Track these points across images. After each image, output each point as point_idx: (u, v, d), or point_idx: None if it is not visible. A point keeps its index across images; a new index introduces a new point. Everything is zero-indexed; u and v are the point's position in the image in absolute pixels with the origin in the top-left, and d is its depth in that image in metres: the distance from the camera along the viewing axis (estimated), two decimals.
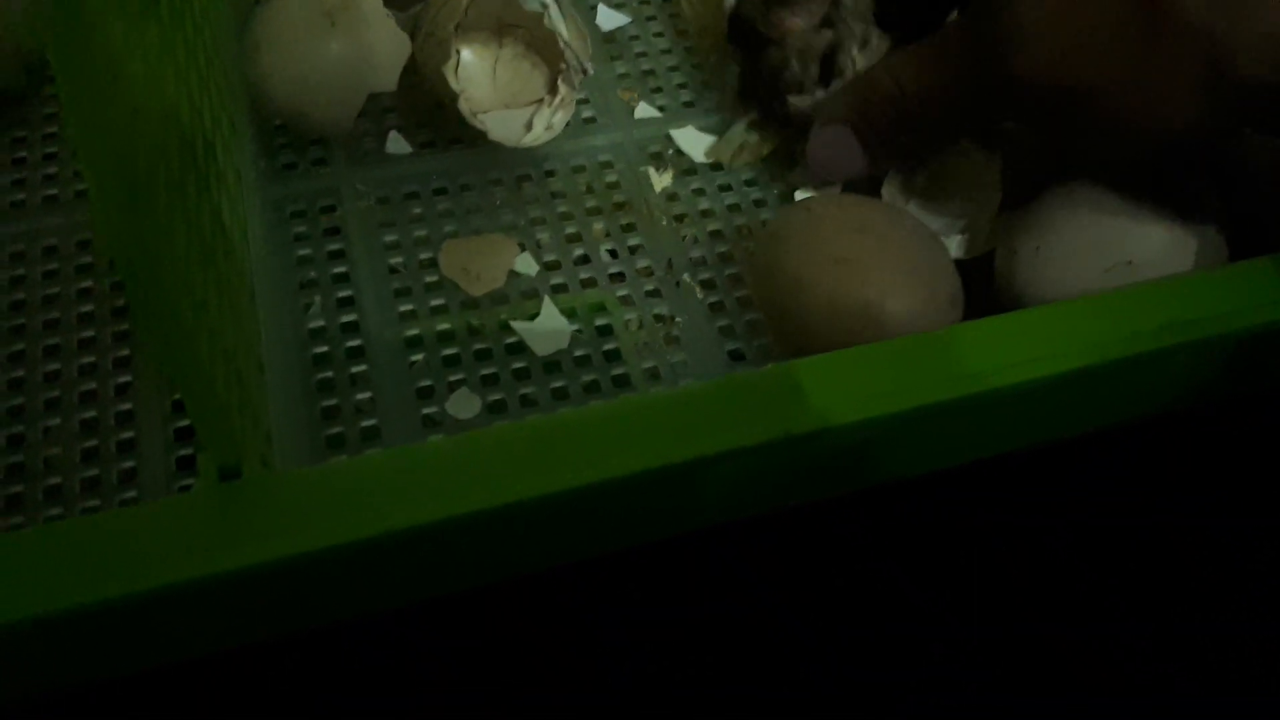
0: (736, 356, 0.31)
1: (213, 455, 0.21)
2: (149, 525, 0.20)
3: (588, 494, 0.21)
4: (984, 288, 0.32)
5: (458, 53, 0.32)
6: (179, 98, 0.23)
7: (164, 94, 0.22)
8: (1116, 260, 0.29)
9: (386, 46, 0.33)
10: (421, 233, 0.33)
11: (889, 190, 0.34)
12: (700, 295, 0.32)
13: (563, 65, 0.34)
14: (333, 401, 0.29)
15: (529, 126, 0.34)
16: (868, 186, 0.34)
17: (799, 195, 0.34)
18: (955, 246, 0.33)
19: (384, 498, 0.21)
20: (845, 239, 0.29)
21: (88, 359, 0.29)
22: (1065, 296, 0.29)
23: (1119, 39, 0.25)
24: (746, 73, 0.35)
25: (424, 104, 0.35)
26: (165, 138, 0.21)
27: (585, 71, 0.34)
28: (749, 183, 0.35)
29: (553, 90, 0.34)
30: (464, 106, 0.32)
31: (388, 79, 0.33)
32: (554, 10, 0.34)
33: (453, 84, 0.32)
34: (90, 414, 0.28)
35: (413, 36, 0.34)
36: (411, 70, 0.34)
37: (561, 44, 0.34)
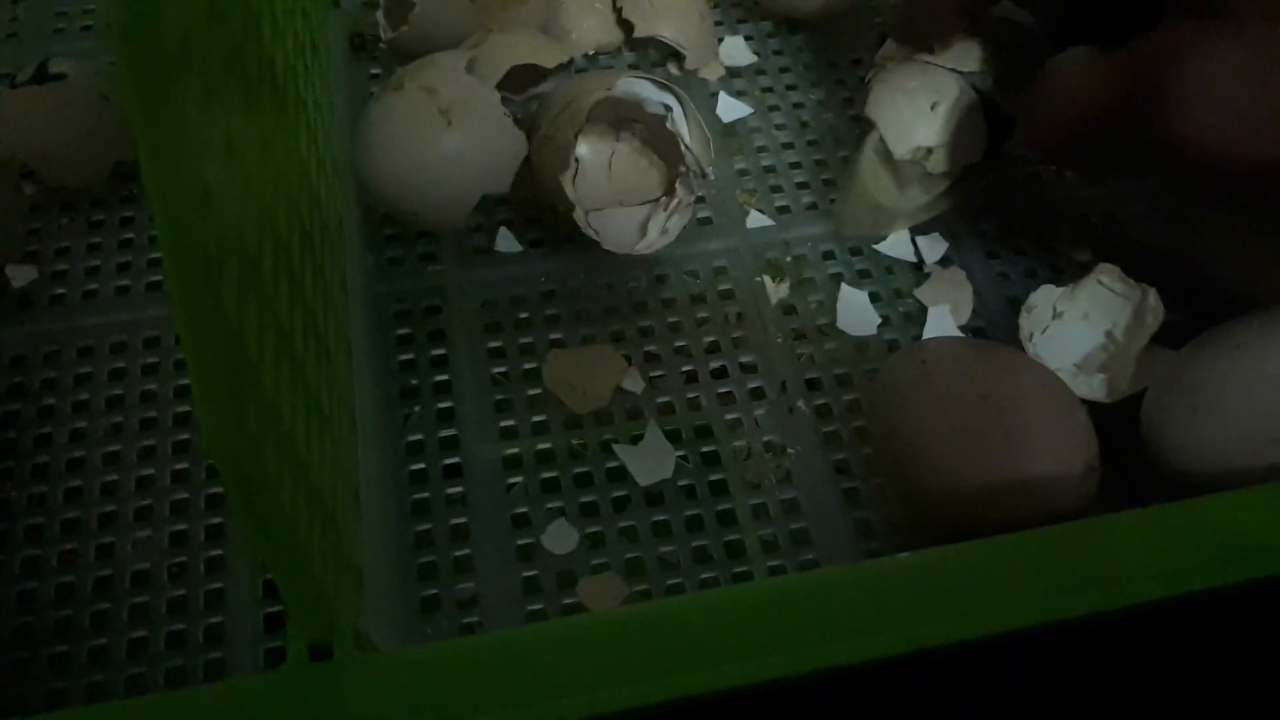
0: (851, 496, 0.29)
1: (303, 631, 0.20)
2: (226, 709, 0.19)
3: (703, 702, 0.20)
4: (1126, 434, 0.29)
5: (577, 162, 0.31)
6: (276, 201, 0.22)
7: (264, 200, 0.21)
8: None
9: (503, 146, 0.32)
10: (527, 339, 0.32)
11: (1026, 321, 0.31)
12: (814, 424, 0.31)
13: (682, 168, 0.32)
14: (426, 526, 0.28)
15: (643, 231, 0.33)
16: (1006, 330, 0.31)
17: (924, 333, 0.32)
18: (1095, 386, 0.31)
19: (484, 694, 0.19)
20: (964, 406, 0.26)
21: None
22: (1225, 466, 0.27)
23: None
24: None
25: (536, 200, 0.34)
26: (264, 254, 0.20)
27: (705, 175, 0.32)
28: (873, 297, 0.33)
29: (670, 192, 0.33)
30: (579, 216, 0.31)
31: (502, 180, 0.32)
32: (678, 112, 0.32)
33: (570, 194, 0.30)
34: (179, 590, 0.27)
35: (529, 133, 0.33)
36: (525, 163, 0.32)
37: (683, 146, 0.32)
